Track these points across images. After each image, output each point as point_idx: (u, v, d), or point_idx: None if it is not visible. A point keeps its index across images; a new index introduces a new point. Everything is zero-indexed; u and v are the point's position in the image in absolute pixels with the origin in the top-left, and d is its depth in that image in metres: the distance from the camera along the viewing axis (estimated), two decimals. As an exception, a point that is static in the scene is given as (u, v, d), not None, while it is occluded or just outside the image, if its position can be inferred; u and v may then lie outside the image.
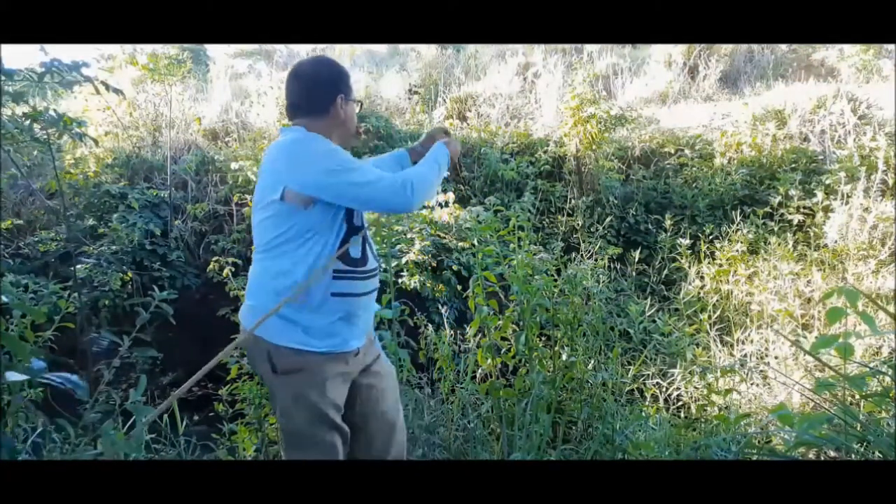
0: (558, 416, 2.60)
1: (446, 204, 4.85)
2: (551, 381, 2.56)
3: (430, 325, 3.17)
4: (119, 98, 3.66)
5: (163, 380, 4.38)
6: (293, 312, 1.67)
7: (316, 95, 1.75)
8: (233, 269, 3.64)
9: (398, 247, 4.31)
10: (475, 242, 2.79)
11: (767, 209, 5.50)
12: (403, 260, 4.11)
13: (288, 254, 1.66)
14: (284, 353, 1.68)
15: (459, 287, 4.23)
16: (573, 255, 4.88)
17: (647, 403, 3.19)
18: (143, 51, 6.68)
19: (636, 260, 4.95)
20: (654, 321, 3.91)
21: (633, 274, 5.08)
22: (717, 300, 4.64)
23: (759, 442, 2.57)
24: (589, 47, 9.10)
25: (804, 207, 5.44)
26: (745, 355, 3.95)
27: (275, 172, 1.64)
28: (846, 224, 4.97)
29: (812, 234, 5.19)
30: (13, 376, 1.14)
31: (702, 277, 4.92)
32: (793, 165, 5.98)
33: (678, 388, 3.36)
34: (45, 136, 2.94)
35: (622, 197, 6.18)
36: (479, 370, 2.81)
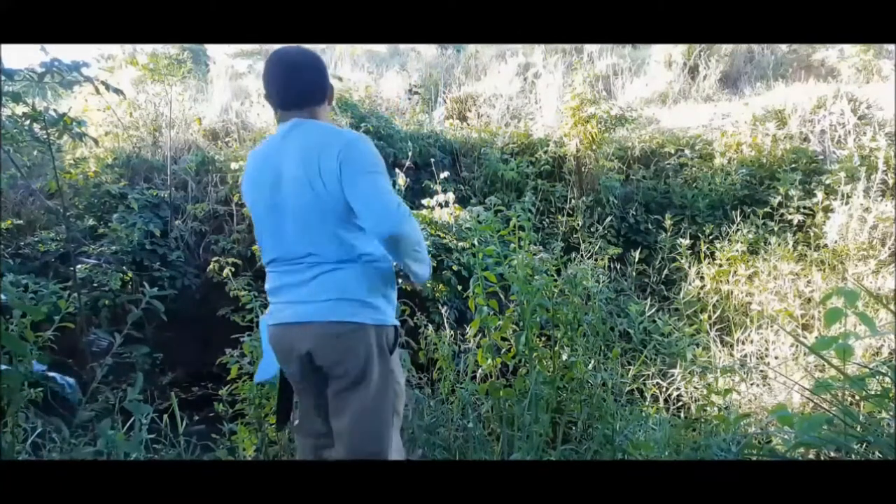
0: (558, 416, 2.60)
1: (446, 204, 4.84)
2: (551, 382, 2.56)
3: (430, 325, 3.17)
4: (119, 98, 3.66)
5: (163, 379, 4.38)
6: (389, 290, 1.76)
7: (321, 85, 1.77)
8: (233, 270, 3.63)
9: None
10: (475, 242, 2.79)
11: (767, 209, 5.50)
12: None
13: (365, 234, 1.70)
14: (392, 332, 1.75)
15: (459, 287, 4.23)
16: (573, 255, 4.88)
17: (647, 404, 3.19)
18: (143, 51, 6.68)
19: (636, 260, 4.95)
20: (654, 321, 3.92)
21: (633, 274, 5.07)
22: (717, 300, 4.64)
23: (759, 442, 2.57)
24: (589, 47, 9.09)
25: (804, 207, 5.44)
26: (745, 355, 3.95)
27: (326, 165, 1.63)
28: (846, 224, 4.97)
29: (812, 234, 5.19)
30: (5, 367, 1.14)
31: (702, 277, 4.91)
32: (793, 165, 5.98)
33: (678, 389, 3.36)
34: (45, 136, 2.94)
35: (622, 197, 6.17)
36: (479, 370, 2.81)
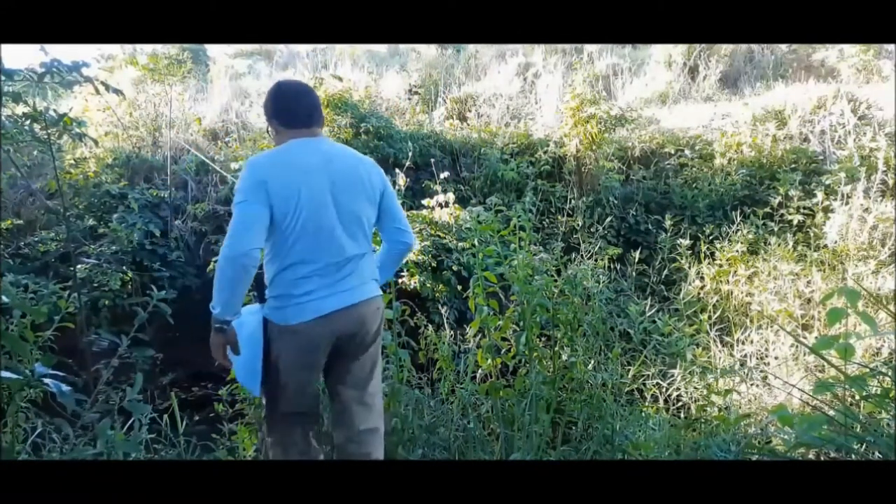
0: (558, 416, 2.60)
1: (446, 204, 4.84)
2: (551, 382, 2.56)
3: (430, 325, 3.16)
4: (119, 98, 3.66)
5: (163, 380, 4.37)
6: None
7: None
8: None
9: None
10: (475, 242, 2.79)
11: (767, 209, 5.49)
12: (403, 260, 4.10)
13: None
14: None
15: (459, 287, 4.23)
16: (573, 255, 4.88)
17: (646, 404, 3.19)
18: (143, 51, 6.69)
19: (636, 260, 4.94)
20: (654, 321, 3.90)
21: (633, 274, 5.07)
22: (717, 300, 4.63)
23: (758, 442, 2.57)
24: (589, 47, 9.10)
25: (804, 208, 5.44)
26: (745, 356, 3.94)
27: (377, 183, 2.10)
28: (846, 224, 4.96)
29: (812, 234, 5.19)
30: (6, 374, 1.14)
31: (702, 278, 4.91)
32: (793, 166, 5.97)
33: (678, 389, 3.36)
34: (46, 136, 2.94)
35: (622, 197, 6.17)
36: (479, 370, 2.81)
